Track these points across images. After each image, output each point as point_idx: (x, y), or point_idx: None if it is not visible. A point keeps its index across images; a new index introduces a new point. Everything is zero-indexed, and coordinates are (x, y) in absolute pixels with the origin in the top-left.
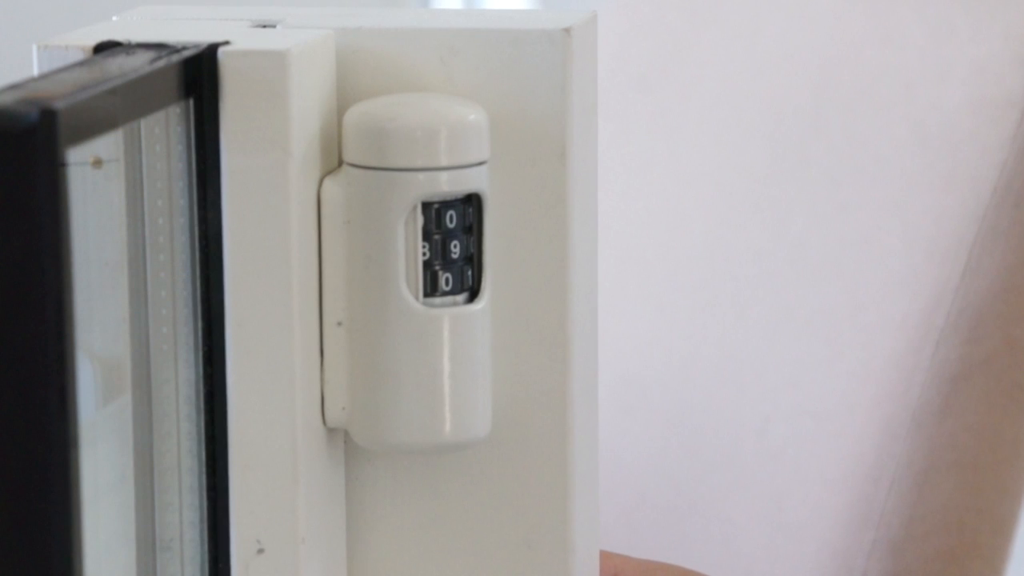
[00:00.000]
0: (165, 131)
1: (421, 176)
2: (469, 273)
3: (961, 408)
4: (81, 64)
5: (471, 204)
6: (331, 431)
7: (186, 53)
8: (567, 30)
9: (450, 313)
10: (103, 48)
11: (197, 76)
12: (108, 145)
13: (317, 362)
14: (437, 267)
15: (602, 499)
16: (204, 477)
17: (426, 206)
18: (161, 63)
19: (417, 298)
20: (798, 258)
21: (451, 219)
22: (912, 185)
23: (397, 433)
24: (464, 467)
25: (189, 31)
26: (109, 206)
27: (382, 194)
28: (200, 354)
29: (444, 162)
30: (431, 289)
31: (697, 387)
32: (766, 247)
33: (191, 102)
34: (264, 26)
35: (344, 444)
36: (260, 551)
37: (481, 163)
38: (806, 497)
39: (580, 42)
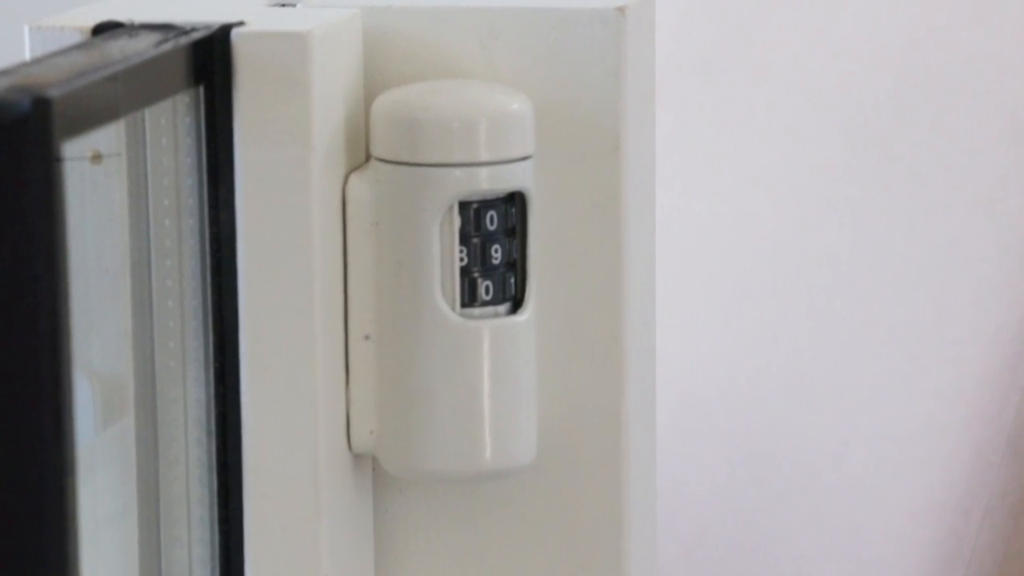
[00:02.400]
0: (172, 122)
1: (458, 172)
2: (512, 281)
3: None
4: (78, 47)
5: (514, 204)
6: (357, 457)
7: (195, 35)
8: (621, 9)
9: (490, 325)
10: (103, 29)
11: (208, 61)
12: (108, 138)
13: (342, 380)
14: (476, 274)
15: (661, 533)
16: (216, 509)
17: (464, 206)
18: (167, 46)
19: (454, 308)
20: (879, 264)
21: (491, 220)
22: (1006, 182)
23: (431, 460)
24: (506, 498)
25: (199, 10)
26: (110, 206)
27: (415, 193)
28: (211, 371)
29: (484, 157)
30: (469, 298)
31: (766, 408)
32: (843, 252)
33: (201, 90)
34: (283, 5)
35: (372, 472)
36: None
37: (525, 158)
38: (888, 531)
39: (636, 22)
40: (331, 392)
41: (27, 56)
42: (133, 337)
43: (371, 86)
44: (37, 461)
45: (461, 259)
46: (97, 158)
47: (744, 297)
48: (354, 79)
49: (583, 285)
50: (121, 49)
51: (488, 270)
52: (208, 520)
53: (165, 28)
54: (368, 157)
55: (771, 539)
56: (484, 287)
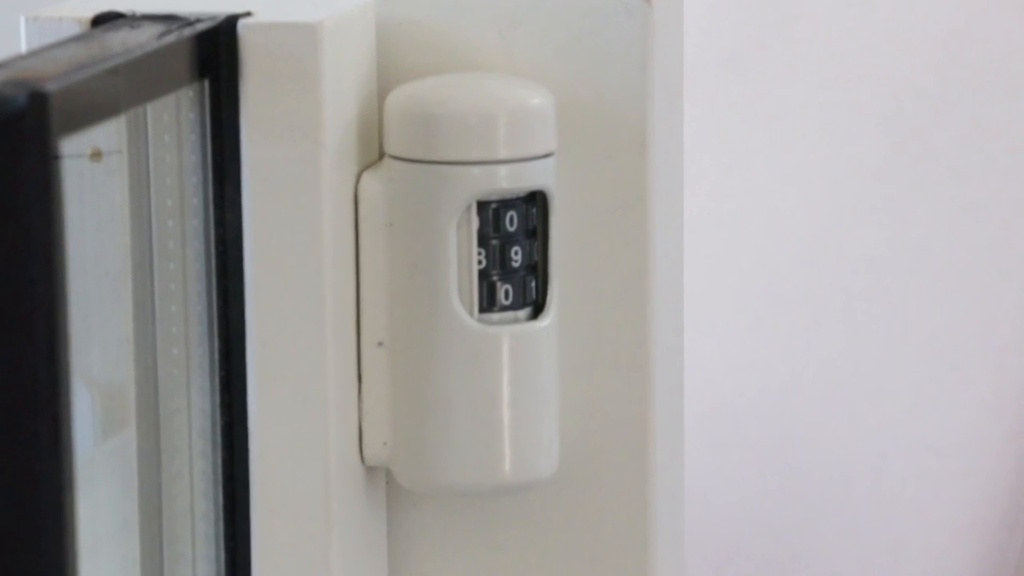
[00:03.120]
0: (175, 118)
1: (476, 171)
2: (532, 284)
3: None
4: (77, 39)
5: (535, 204)
6: (370, 470)
7: (200, 26)
8: None
9: (510, 331)
10: (103, 20)
11: (213, 53)
12: (109, 134)
13: (354, 389)
14: (495, 277)
15: (689, 551)
16: (222, 524)
17: (482, 206)
18: (171, 38)
19: (471, 313)
20: (919, 267)
21: (511, 221)
22: None
23: (448, 473)
24: (526, 512)
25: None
26: (110, 205)
27: (430, 192)
28: (217, 380)
29: (503, 154)
30: (488, 303)
31: (800, 418)
32: (882, 254)
33: (206, 84)
34: None
35: (385, 485)
36: None
37: (547, 155)
38: (929, 547)
39: (663, 13)
40: (342, 401)
41: (23, 48)
42: (135, 344)
43: (385, 79)
44: (34, 474)
45: (479, 262)
46: (97, 155)
47: (777, 301)
48: (367, 72)
49: (607, 289)
50: (122, 41)
51: (508, 273)
52: (214, 536)
53: (168, 19)
54: (381, 154)
55: (805, 557)
56: (503, 291)
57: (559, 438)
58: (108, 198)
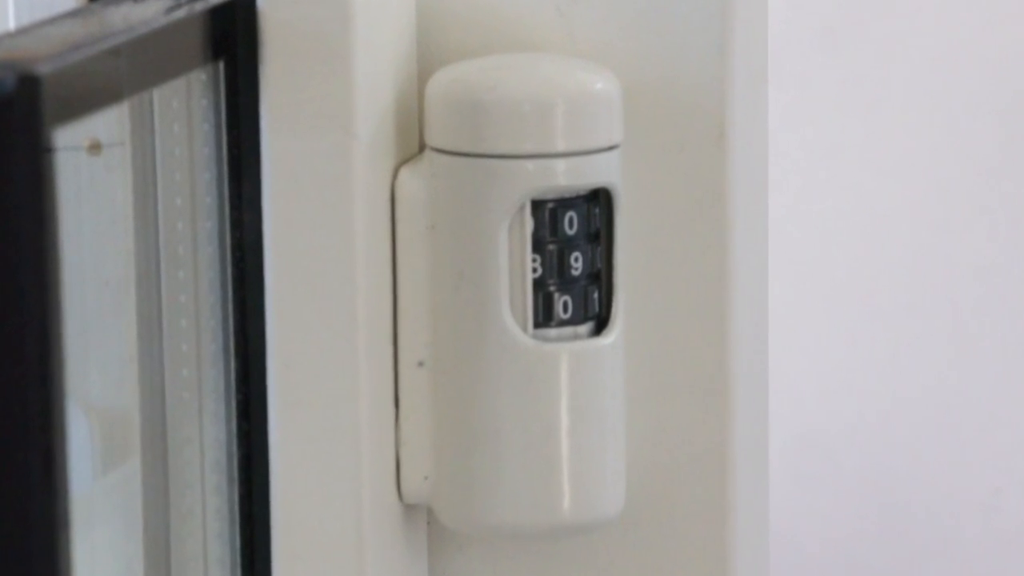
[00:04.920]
0: (186, 105)
1: (530, 165)
2: (595, 296)
3: None
4: (73, 15)
5: (597, 203)
6: (410, 509)
7: (214, 0)
8: None
9: (569, 349)
10: None
11: (229, 31)
12: (109, 124)
13: (391, 416)
14: (552, 287)
15: None
16: (239, 570)
17: (537, 205)
18: (180, 13)
19: (525, 329)
20: None
21: (571, 223)
22: None
23: (498, 511)
24: (588, 557)
25: None
26: (111, 205)
27: (478, 189)
28: (233, 405)
29: (561, 146)
30: (544, 317)
31: (902, 449)
32: (996, 260)
33: (221, 66)
34: None
35: (427, 526)
36: None
37: (611, 148)
38: None
39: None
40: (378, 430)
41: (11, 25)
42: (139, 364)
43: (426, 61)
44: (23, 514)
45: (534, 269)
46: (96, 148)
47: (875, 315)
48: (405, 53)
49: (681, 301)
50: (124, 17)
51: (566, 283)
52: None
53: None
54: (422, 147)
55: None
56: (562, 303)
57: (625, 472)
58: (109, 197)
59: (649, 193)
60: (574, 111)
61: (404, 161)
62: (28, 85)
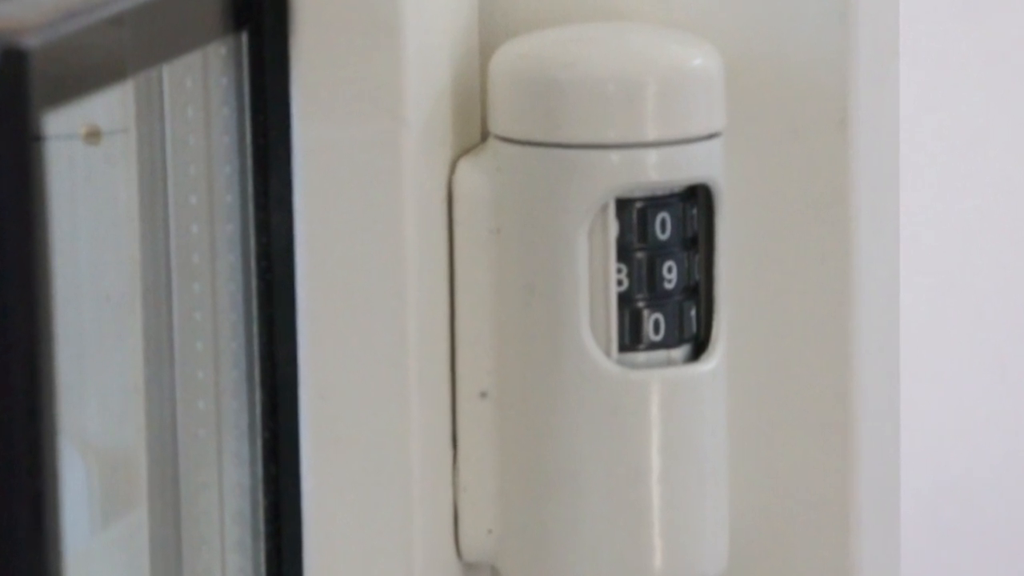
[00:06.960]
0: (202, 85)
1: (615, 157)
2: (692, 313)
3: None
4: None
5: (695, 203)
6: (470, 568)
7: None
8: None
9: (661, 377)
10: None
11: None
12: (110, 107)
13: (449, 457)
14: (641, 303)
15: None
16: None
17: (623, 205)
18: None
19: (609, 353)
20: None
21: (663, 226)
22: None
23: (577, 571)
24: None
25: None
26: (112, 204)
27: (553, 186)
28: (258, 445)
29: (652, 135)
30: (632, 339)
31: None
32: None
33: (244, 38)
34: None
35: None
36: None
37: (711, 136)
38: None
39: None
40: (432, 474)
41: None
42: (145, 395)
43: (489, 35)
44: (10, 573)
45: (619, 282)
46: (94, 136)
47: None
48: (465, 24)
49: (795, 319)
50: None
51: (658, 298)
52: None
53: None
54: (485, 135)
55: None
56: (652, 322)
57: (728, 524)
58: (110, 194)
59: (757, 190)
60: (668, 92)
61: (464, 152)
62: (13, 60)
